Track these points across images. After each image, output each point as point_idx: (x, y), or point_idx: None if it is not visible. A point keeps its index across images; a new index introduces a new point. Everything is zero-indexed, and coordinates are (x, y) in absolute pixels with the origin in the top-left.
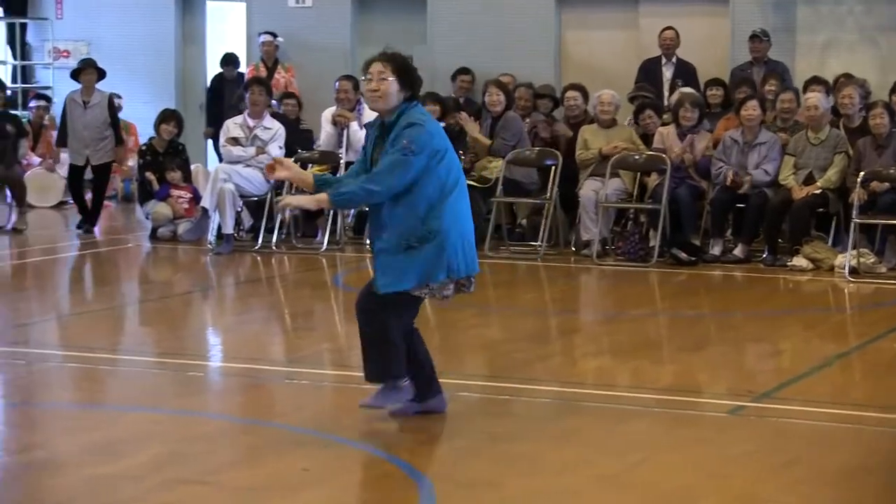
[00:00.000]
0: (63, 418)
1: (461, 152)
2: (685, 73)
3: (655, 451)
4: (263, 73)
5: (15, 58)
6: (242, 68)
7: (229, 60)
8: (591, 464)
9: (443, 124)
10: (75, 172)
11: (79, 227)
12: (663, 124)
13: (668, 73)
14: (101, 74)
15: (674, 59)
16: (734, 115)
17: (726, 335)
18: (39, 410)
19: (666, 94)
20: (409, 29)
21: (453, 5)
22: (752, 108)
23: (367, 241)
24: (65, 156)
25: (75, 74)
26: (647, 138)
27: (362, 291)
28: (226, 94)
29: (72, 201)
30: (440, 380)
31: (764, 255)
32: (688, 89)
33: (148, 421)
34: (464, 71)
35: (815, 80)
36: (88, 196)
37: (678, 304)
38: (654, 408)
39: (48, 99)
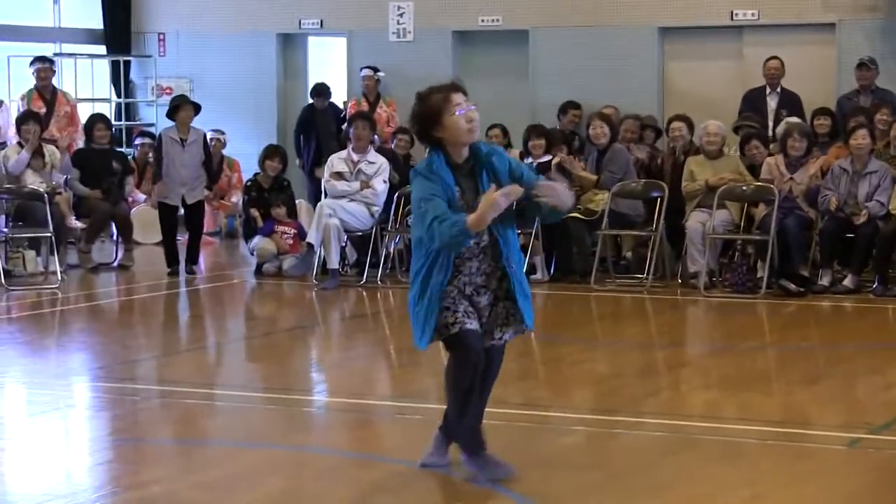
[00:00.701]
0: (175, 455)
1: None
2: (790, 102)
3: (774, 486)
4: (365, 107)
5: (119, 95)
6: (335, 99)
7: (320, 91)
8: (711, 499)
9: (548, 157)
10: (170, 212)
11: (171, 271)
12: (769, 154)
13: (772, 102)
14: (197, 110)
15: (778, 89)
16: (843, 144)
17: (838, 367)
18: (151, 447)
19: (770, 124)
20: (510, 62)
21: (555, 37)
22: (861, 137)
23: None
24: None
25: (172, 112)
26: (753, 169)
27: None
28: (319, 125)
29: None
30: (550, 413)
31: (874, 286)
32: (794, 119)
33: (261, 458)
34: (573, 105)
35: None
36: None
37: (787, 336)
38: (768, 440)
39: (152, 136)
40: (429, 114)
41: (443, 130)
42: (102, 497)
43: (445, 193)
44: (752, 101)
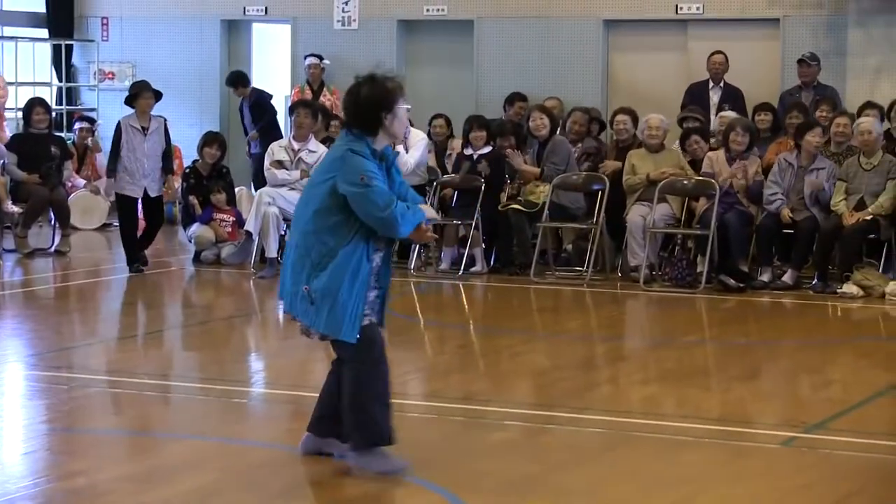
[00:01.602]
0: (106, 445)
1: (507, 179)
2: (732, 97)
3: (709, 484)
4: (309, 95)
5: (60, 80)
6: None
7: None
8: (646, 496)
9: (489, 149)
10: (131, 204)
11: (134, 268)
12: (711, 149)
13: (715, 97)
14: (158, 97)
15: (721, 84)
16: (787, 139)
17: (777, 364)
18: (82, 436)
19: (713, 117)
20: (455, 52)
21: (500, 28)
22: (818, 135)
23: (412, 267)
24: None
25: (131, 99)
26: (694, 163)
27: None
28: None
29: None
30: (487, 408)
31: (814, 282)
32: (732, 113)
33: (192, 448)
34: (520, 97)
35: (868, 105)
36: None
37: (727, 331)
38: (705, 438)
39: (92, 121)
40: (385, 98)
41: (392, 119)
42: (26, 488)
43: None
44: (696, 95)
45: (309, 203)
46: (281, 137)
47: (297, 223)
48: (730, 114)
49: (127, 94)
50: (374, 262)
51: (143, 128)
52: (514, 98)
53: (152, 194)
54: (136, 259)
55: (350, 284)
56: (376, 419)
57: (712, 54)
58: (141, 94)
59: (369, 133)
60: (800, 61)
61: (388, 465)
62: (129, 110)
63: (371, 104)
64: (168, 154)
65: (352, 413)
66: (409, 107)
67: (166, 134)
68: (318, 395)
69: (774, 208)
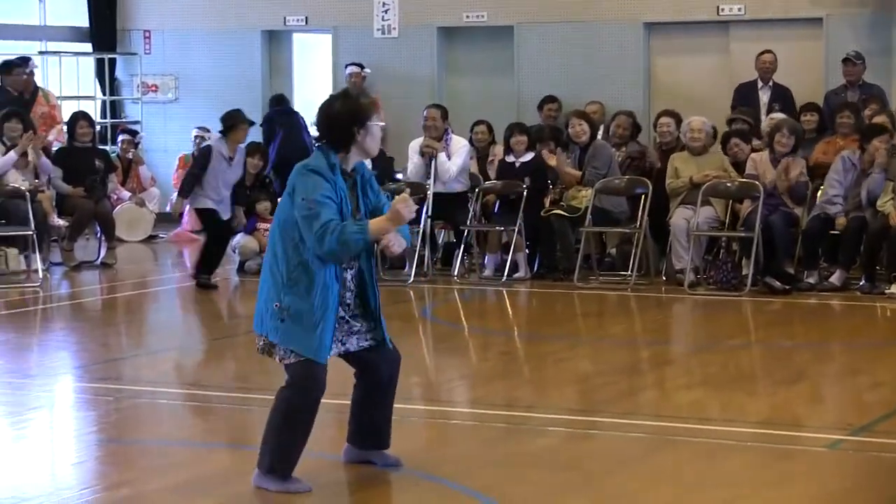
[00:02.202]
0: (152, 455)
1: (550, 184)
2: (782, 96)
3: (753, 488)
4: None
5: (104, 93)
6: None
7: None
8: (689, 501)
9: (531, 155)
10: (215, 216)
11: (203, 279)
12: (755, 150)
13: (764, 96)
14: (250, 126)
15: (770, 83)
16: (835, 138)
17: (823, 366)
18: (128, 447)
19: (763, 118)
20: (495, 58)
21: (540, 33)
22: (885, 141)
23: (455, 274)
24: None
25: (228, 129)
26: (736, 165)
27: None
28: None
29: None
30: (530, 414)
31: (861, 283)
32: (780, 115)
33: (236, 458)
34: (550, 99)
35: None
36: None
37: (773, 334)
38: (750, 442)
39: (135, 133)
40: (359, 114)
41: (364, 135)
42: (74, 498)
43: (338, 199)
44: (744, 95)
45: (278, 216)
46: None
47: (269, 237)
48: (779, 115)
49: (222, 122)
50: (347, 279)
51: (230, 157)
52: (545, 101)
53: (224, 218)
54: (208, 272)
55: (321, 303)
56: (294, 450)
57: (761, 54)
58: (238, 126)
59: (341, 148)
60: (845, 60)
61: (291, 486)
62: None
63: (343, 119)
64: (241, 183)
65: (274, 435)
66: (383, 124)
67: (244, 165)
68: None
69: (834, 212)
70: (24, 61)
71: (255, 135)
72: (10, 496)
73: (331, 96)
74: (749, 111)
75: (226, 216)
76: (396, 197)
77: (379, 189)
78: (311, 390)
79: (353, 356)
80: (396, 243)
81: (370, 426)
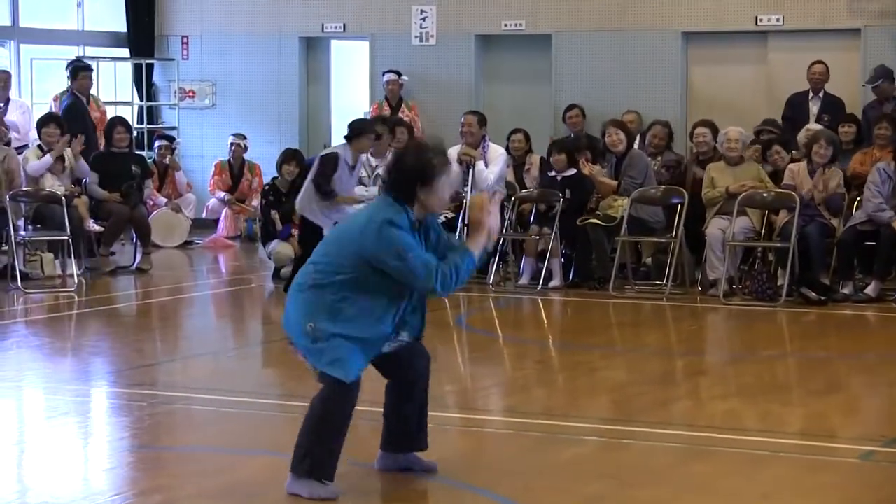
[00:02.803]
0: (185, 462)
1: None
2: (833, 107)
3: (786, 499)
4: (387, 111)
5: (141, 98)
6: (357, 104)
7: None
8: None
9: (573, 171)
10: (318, 234)
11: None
12: (792, 160)
13: (814, 107)
14: (377, 137)
15: (821, 94)
16: (872, 149)
17: (858, 378)
18: (161, 453)
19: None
20: (533, 66)
21: (578, 42)
22: None
23: (490, 281)
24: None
25: (353, 135)
26: (776, 174)
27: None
28: None
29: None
30: (564, 423)
31: None
32: (817, 126)
33: (271, 465)
34: (571, 107)
35: None
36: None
37: (808, 345)
38: (785, 453)
39: (172, 139)
40: (424, 172)
41: (427, 194)
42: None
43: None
44: (795, 106)
45: (338, 243)
46: None
47: (322, 254)
48: (815, 126)
49: (349, 129)
50: (399, 312)
51: (352, 165)
52: (567, 109)
53: (325, 227)
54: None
55: (364, 334)
56: (330, 457)
57: (812, 64)
58: (365, 133)
59: (406, 202)
60: (871, 82)
61: (325, 491)
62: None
63: (409, 175)
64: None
65: (309, 441)
66: (453, 178)
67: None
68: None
69: (886, 218)
70: (87, 66)
71: (292, 140)
72: (43, 501)
73: (406, 146)
74: (776, 122)
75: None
76: (471, 203)
77: (438, 225)
78: (346, 399)
79: (384, 357)
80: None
81: (405, 427)
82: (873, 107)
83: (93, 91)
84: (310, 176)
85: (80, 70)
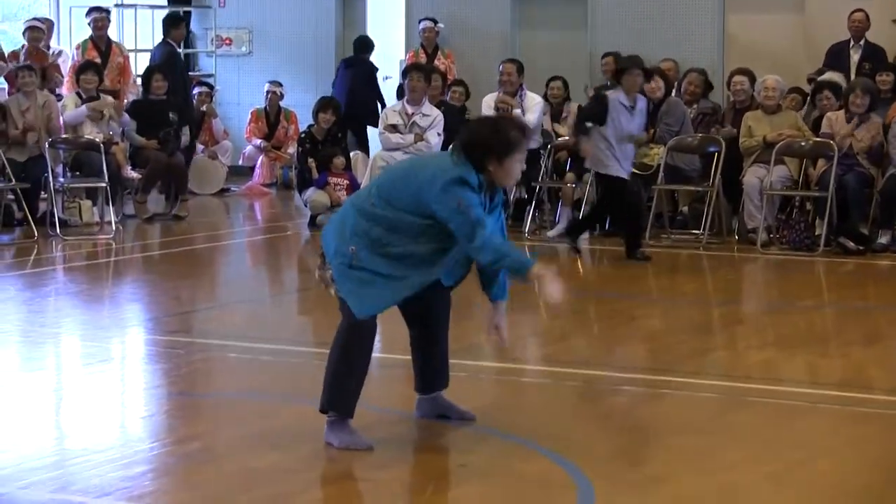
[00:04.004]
0: (222, 409)
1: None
2: (874, 55)
3: (824, 450)
4: (423, 59)
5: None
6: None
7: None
8: (761, 461)
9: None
10: (621, 186)
11: (640, 255)
12: (841, 107)
13: (855, 56)
14: (649, 77)
15: (862, 42)
16: None
17: None
18: (198, 400)
19: (854, 77)
20: (568, 13)
21: None
22: None
23: (527, 231)
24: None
25: (619, 74)
26: (817, 123)
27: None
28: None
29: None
30: (601, 373)
31: None
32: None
33: (307, 414)
34: (605, 55)
35: None
36: None
37: (846, 295)
38: (822, 403)
39: (210, 86)
40: (499, 147)
41: (497, 168)
42: (143, 451)
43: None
44: (836, 56)
45: (405, 181)
46: None
47: (388, 184)
48: (829, 74)
49: (615, 68)
50: (441, 267)
51: (629, 106)
52: (604, 56)
53: (625, 176)
54: (637, 246)
55: (399, 273)
56: (349, 388)
57: (853, 12)
58: (628, 70)
59: (475, 167)
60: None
61: (355, 441)
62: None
63: (483, 146)
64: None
65: (330, 372)
66: (524, 167)
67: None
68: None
69: None
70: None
71: (328, 88)
72: (81, 448)
73: (486, 117)
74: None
75: (626, 173)
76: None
77: (500, 219)
78: (359, 334)
79: (407, 299)
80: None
81: (432, 368)
82: None
83: (129, 39)
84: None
85: (177, 20)
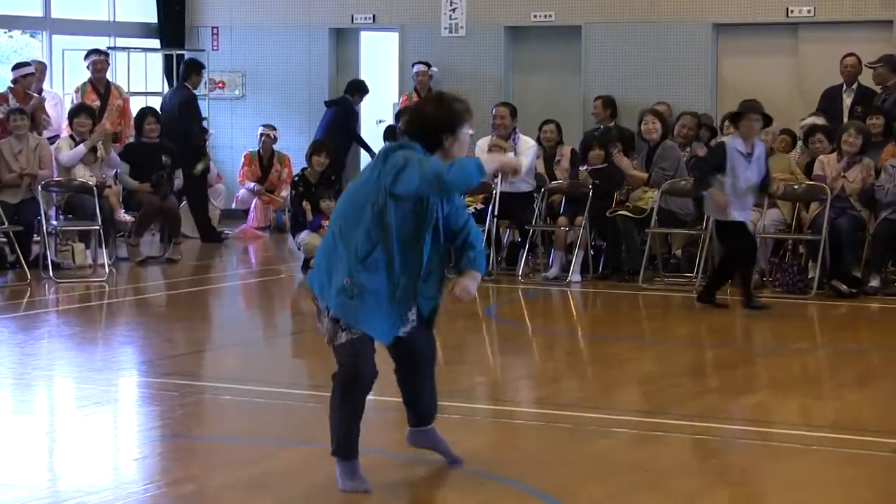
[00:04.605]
0: (216, 452)
1: (619, 185)
2: (866, 99)
3: (819, 492)
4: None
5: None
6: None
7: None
8: (755, 503)
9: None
10: (743, 229)
11: (756, 304)
12: (833, 150)
13: (848, 100)
14: (767, 122)
15: (855, 86)
16: None
17: (889, 370)
18: (192, 443)
19: (846, 121)
20: (562, 57)
21: (608, 33)
22: None
23: (520, 273)
24: (212, 191)
25: (736, 118)
26: (810, 167)
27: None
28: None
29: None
30: (594, 415)
31: None
32: (812, 119)
33: (302, 456)
34: (598, 98)
35: None
36: None
37: (839, 337)
38: (816, 445)
39: (204, 129)
40: (450, 120)
41: (451, 141)
42: (137, 493)
43: None
44: (829, 99)
45: (358, 191)
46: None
47: (340, 211)
48: (809, 120)
49: (732, 112)
50: (422, 258)
51: (747, 153)
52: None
53: (745, 220)
54: (752, 295)
55: (392, 285)
56: (348, 432)
57: (844, 57)
58: (746, 115)
59: (428, 152)
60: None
61: (356, 484)
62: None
63: (433, 124)
64: (766, 181)
65: (332, 418)
66: (473, 132)
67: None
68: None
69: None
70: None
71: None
72: (74, 490)
73: (425, 97)
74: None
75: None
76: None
77: (456, 201)
78: (361, 369)
79: (397, 341)
80: (466, 292)
81: (423, 404)
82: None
83: (122, 82)
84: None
85: (199, 67)
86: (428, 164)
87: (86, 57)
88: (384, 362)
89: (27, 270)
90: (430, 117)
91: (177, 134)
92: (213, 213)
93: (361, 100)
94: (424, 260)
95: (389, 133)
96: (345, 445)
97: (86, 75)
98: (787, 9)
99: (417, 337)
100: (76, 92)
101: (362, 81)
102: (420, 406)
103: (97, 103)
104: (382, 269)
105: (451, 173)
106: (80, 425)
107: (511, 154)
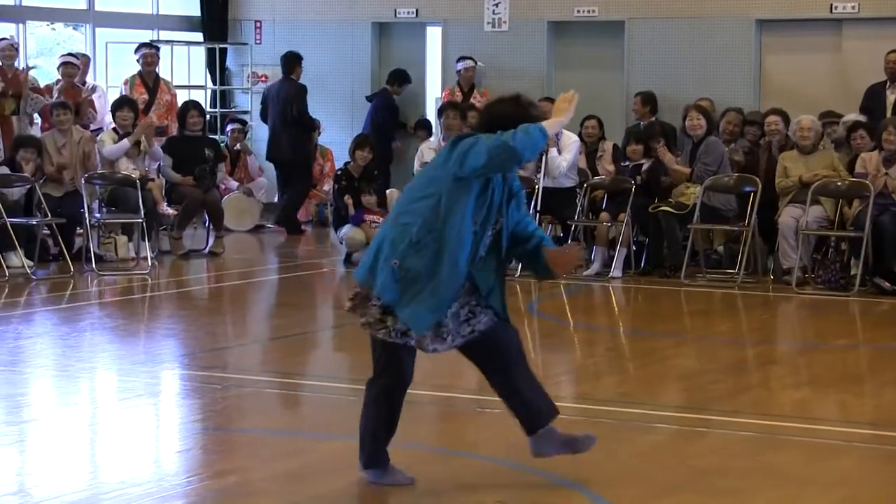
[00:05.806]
0: (258, 444)
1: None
2: None
3: (862, 489)
4: (459, 97)
5: (214, 83)
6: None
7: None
8: (798, 500)
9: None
10: None
11: None
12: (875, 147)
13: (892, 97)
14: None
15: None
16: None
17: None
18: (234, 436)
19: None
20: (605, 53)
21: (651, 28)
22: None
23: None
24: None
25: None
26: (853, 165)
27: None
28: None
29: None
30: (636, 411)
31: None
32: (853, 117)
33: (343, 449)
34: (638, 94)
35: None
36: None
37: (881, 335)
38: (857, 443)
39: (244, 123)
40: (526, 120)
41: None
42: (179, 485)
43: (493, 182)
44: (873, 96)
45: (427, 175)
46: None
47: (404, 197)
48: (851, 118)
49: None
50: (480, 249)
51: None
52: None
53: None
54: None
55: (450, 271)
56: (379, 436)
57: (889, 53)
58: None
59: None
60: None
61: (393, 478)
62: None
63: (505, 123)
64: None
65: (363, 423)
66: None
67: None
68: (463, 396)
69: None
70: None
71: (361, 126)
72: (117, 482)
73: (501, 96)
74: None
75: None
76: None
77: (525, 209)
78: (399, 374)
79: (472, 345)
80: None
81: (531, 398)
82: None
83: (165, 75)
84: None
85: (299, 58)
86: (492, 138)
87: (136, 50)
88: (422, 357)
89: (70, 263)
90: (507, 115)
91: (286, 125)
92: (256, 206)
93: (402, 90)
94: (480, 254)
95: (421, 125)
96: (374, 458)
97: (128, 68)
98: (832, 5)
99: (498, 329)
100: (125, 84)
101: (403, 70)
102: (529, 403)
103: (145, 97)
104: (432, 256)
105: (516, 139)
106: (123, 418)
107: (554, 150)
